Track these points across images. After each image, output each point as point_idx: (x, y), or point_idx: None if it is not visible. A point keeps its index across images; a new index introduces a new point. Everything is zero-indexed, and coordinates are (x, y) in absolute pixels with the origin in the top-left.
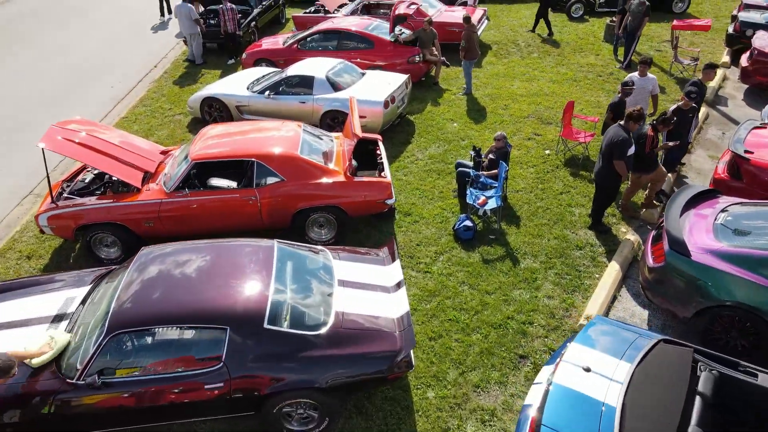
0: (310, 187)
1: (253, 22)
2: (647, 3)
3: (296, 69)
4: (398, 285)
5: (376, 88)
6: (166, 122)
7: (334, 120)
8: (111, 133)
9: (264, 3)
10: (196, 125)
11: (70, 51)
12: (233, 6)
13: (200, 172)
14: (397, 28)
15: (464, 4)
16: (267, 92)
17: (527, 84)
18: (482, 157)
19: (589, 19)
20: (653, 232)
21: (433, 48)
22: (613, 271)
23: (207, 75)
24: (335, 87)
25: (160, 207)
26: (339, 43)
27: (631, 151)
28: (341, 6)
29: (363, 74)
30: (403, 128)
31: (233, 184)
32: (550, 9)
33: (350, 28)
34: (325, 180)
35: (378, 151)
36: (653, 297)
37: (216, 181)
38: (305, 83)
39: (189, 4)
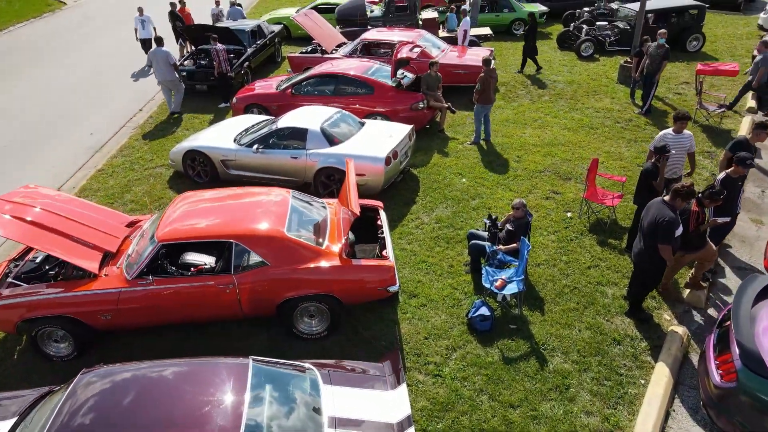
0: (298, 272)
1: (246, 63)
2: (667, 46)
3: (288, 120)
4: (405, 424)
5: (376, 141)
6: (146, 176)
7: (329, 178)
8: (68, 204)
9: (258, 42)
10: (177, 180)
11: (50, 92)
12: (224, 46)
13: (169, 253)
14: (399, 72)
15: (473, 44)
16: (256, 146)
17: (540, 132)
18: (498, 227)
19: (600, 58)
20: (714, 334)
21: (439, 93)
22: (662, 377)
23: (195, 121)
24: (331, 140)
25: (119, 297)
26: (336, 88)
27: (679, 232)
28: (340, 46)
29: (362, 124)
30: (406, 185)
31: (210, 260)
32: (536, 48)
33: (348, 72)
34: (316, 264)
35: (378, 221)
36: (719, 420)
37: (190, 258)
38: (298, 136)
39: (165, 49)
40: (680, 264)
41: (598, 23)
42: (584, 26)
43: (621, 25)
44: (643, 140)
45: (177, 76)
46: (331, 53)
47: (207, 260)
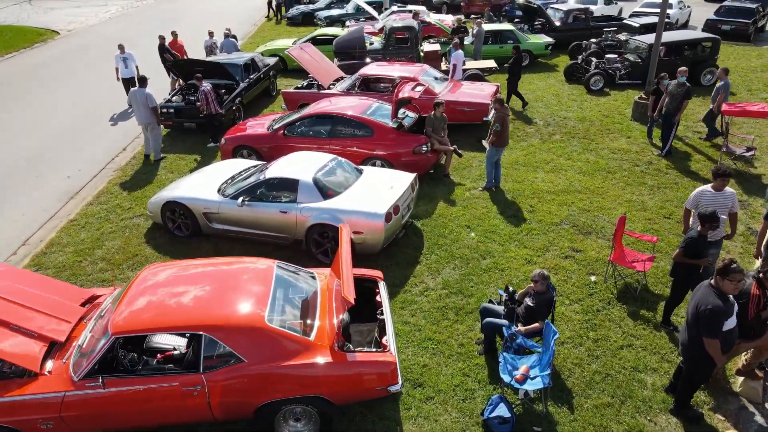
0: (281, 370)
1: (238, 99)
2: (688, 84)
3: (277, 169)
4: None
5: (375, 194)
6: (122, 228)
7: (322, 236)
8: (10, 280)
9: (251, 76)
10: (156, 232)
11: (29, 129)
12: (210, 86)
13: (126, 346)
14: (401, 111)
15: (477, 77)
16: (241, 198)
17: (553, 176)
18: (516, 302)
19: (610, 92)
20: None
21: (444, 135)
22: None
23: (180, 162)
24: (324, 193)
25: (62, 402)
26: (333, 129)
27: (730, 324)
28: (337, 80)
29: (359, 173)
30: (408, 240)
31: (181, 343)
32: (518, 80)
33: (345, 112)
34: (303, 360)
35: (378, 296)
36: None
37: (155, 342)
38: (288, 187)
39: (145, 90)
40: (734, 354)
41: (607, 56)
42: (593, 59)
43: (631, 57)
44: (667, 186)
45: (155, 119)
46: (328, 89)
47: (176, 342)
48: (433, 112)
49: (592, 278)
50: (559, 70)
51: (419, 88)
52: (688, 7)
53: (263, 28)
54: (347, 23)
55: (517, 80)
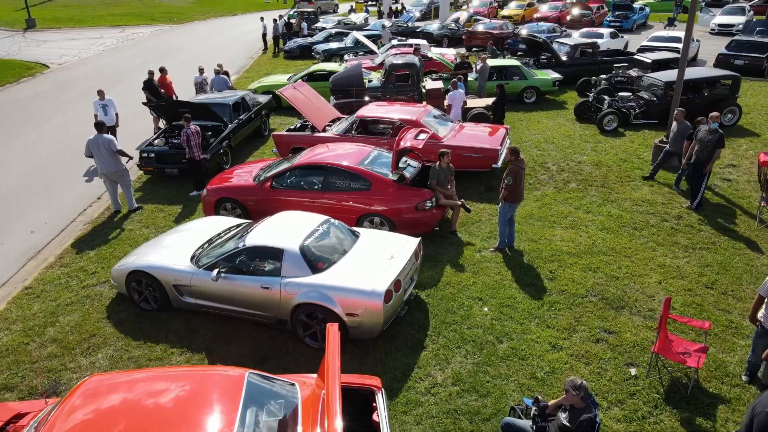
0: None
1: (226, 141)
2: (720, 131)
3: (259, 235)
4: None
5: (373, 265)
6: (82, 298)
7: (311, 317)
8: None
9: (241, 117)
10: (120, 304)
11: None
12: (197, 128)
13: None
14: (402, 160)
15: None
16: (217, 270)
17: (573, 233)
18: (547, 417)
19: (625, 132)
20: None
21: (451, 188)
22: None
23: (158, 215)
24: (314, 265)
25: None
26: (326, 181)
27: None
28: (333, 121)
29: (355, 237)
30: (412, 318)
31: None
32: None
33: (340, 163)
34: None
35: (375, 413)
36: None
37: None
38: (271, 257)
39: (108, 135)
40: None
41: (620, 94)
42: (605, 97)
43: (646, 96)
44: (702, 246)
45: (123, 166)
46: (323, 131)
47: None
48: (438, 163)
49: (632, 371)
50: (568, 108)
51: (423, 136)
52: (697, 41)
53: (259, 61)
54: (346, 57)
55: (501, 121)
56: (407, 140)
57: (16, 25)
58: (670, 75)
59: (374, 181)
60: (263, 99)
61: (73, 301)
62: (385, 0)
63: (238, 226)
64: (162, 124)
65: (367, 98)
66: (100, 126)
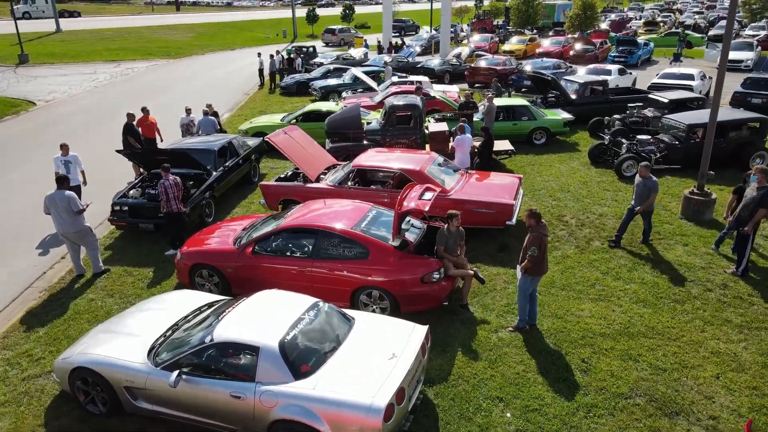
0: None
1: (209, 192)
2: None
3: (230, 327)
4: None
5: (371, 367)
6: (18, 395)
7: None
8: None
9: (227, 164)
10: (63, 405)
11: None
12: (177, 179)
13: None
14: (405, 222)
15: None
16: (176, 374)
17: (604, 307)
18: None
19: None
20: None
21: (461, 255)
22: None
23: (127, 279)
24: (296, 368)
25: None
26: (316, 246)
27: None
28: (329, 168)
29: (350, 325)
30: (417, 427)
31: None
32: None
33: (333, 226)
34: None
35: None
36: None
37: None
38: (244, 356)
39: (68, 192)
40: None
41: (639, 137)
42: (623, 140)
43: (666, 138)
44: (760, 326)
45: (84, 225)
46: (316, 181)
47: None
48: (446, 226)
49: None
50: (581, 150)
51: (429, 195)
52: (710, 78)
53: (255, 98)
54: (344, 95)
55: (488, 165)
56: (411, 200)
57: (8, 60)
58: (693, 117)
59: (373, 248)
60: (253, 142)
61: (7, 399)
62: (384, 35)
63: (210, 306)
64: (142, 170)
65: (365, 142)
66: (61, 181)
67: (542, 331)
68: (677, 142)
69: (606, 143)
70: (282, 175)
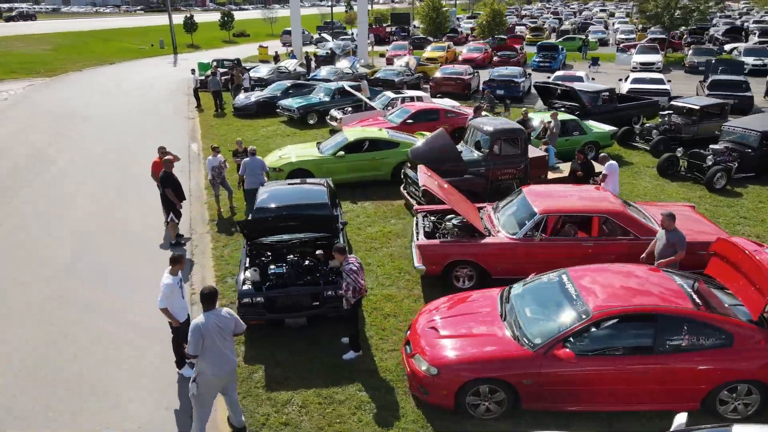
0: None
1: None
2: None
3: None
4: None
5: None
6: None
7: None
8: None
9: (340, 218)
10: None
11: None
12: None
13: None
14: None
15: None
16: None
17: None
18: None
19: (735, 189)
20: None
21: None
22: None
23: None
24: None
25: None
26: (658, 336)
27: None
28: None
29: None
30: None
31: None
32: None
33: (675, 304)
34: None
35: None
36: None
37: None
38: None
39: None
40: None
41: (711, 146)
42: (708, 152)
43: (737, 147)
44: None
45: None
46: (490, 235)
47: None
48: None
49: None
50: (632, 162)
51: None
52: (669, 80)
53: (208, 122)
54: (335, 114)
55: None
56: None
57: None
58: (759, 123)
59: (737, 331)
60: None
61: None
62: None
63: None
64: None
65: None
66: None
67: None
68: (750, 150)
69: (678, 155)
70: (426, 230)
